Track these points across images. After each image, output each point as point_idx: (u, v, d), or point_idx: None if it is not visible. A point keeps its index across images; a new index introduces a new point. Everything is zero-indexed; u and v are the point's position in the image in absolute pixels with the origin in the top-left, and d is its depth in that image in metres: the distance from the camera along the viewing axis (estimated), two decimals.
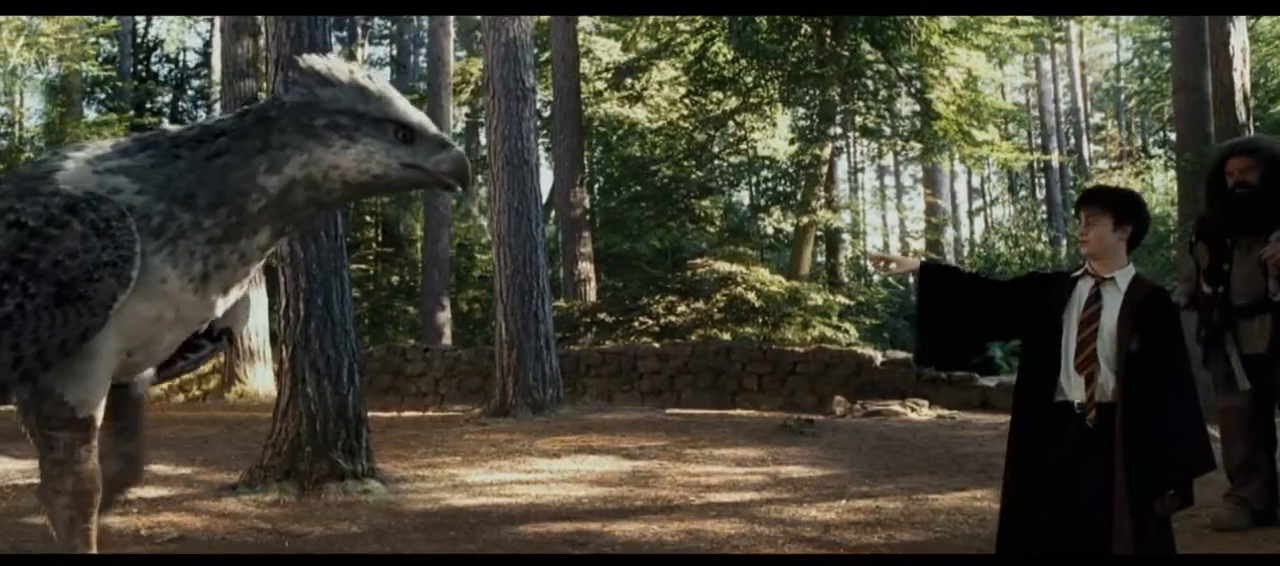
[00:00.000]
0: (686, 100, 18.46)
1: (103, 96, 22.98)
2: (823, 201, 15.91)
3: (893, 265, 4.28)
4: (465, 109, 22.64)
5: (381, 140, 2.63)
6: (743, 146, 18.46)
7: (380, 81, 2.70)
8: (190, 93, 25.55)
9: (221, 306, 2.77)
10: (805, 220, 15.20)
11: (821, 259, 18.92)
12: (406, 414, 11.92)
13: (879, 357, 12.63)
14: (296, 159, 2.62)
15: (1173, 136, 30.67)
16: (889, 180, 36.61)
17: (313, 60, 2.69)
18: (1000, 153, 15.15)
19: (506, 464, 7.98)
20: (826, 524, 5.86)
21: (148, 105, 23.48)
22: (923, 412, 11.46)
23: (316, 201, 2.70)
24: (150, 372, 2.97)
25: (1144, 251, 14.52)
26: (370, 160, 2.63)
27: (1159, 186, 21.08)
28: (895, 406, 11.55)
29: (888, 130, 15.54)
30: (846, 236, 19.29)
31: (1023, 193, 30.12)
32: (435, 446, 8.64)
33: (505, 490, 6.91)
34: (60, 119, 19.10)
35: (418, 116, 2.71)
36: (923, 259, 4.11)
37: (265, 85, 6.68)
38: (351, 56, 26.89)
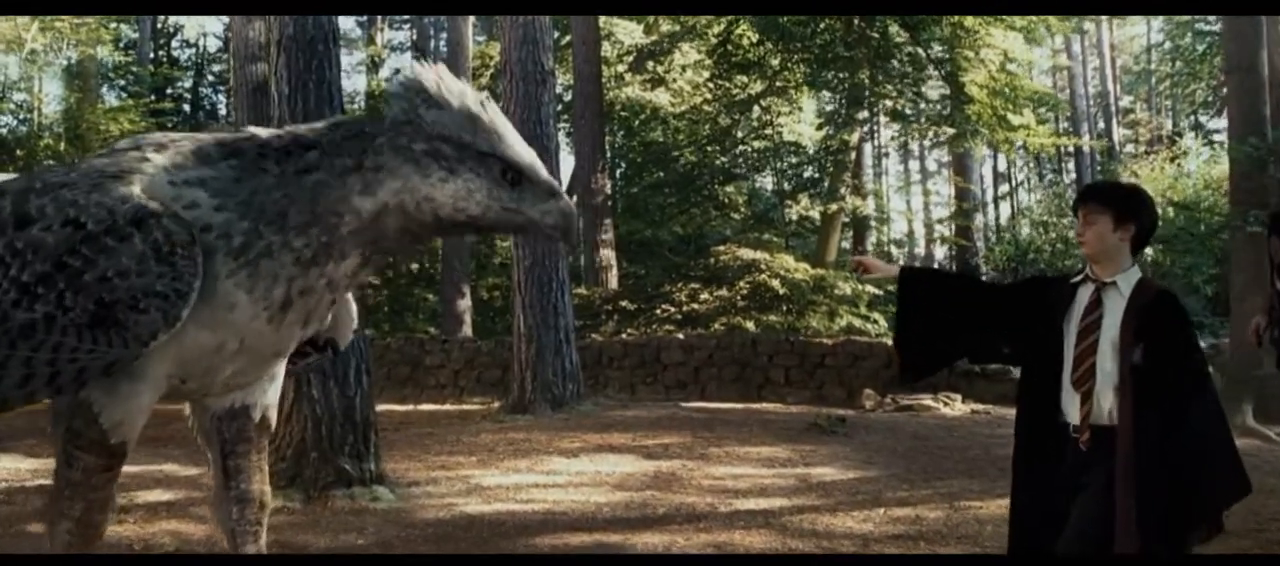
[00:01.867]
0: (710, 84, 18.03)
1: (122, 82, 22.79)
2: (850, 187, 15.48)
3: (873, 271, 3.76)
4: (484, 93, 22.28)
5: (485, 178, 2.36)
6: (768, 131, 18.04)
7: (493, 109, 2.40)
8: (210, 78, 25.34)
9: (296, 339, 2.49)
10: (834, 207, 14.77)
11: (846, 245, 18.51)
12: (423, 407, 11.62)
13: None
14: (391, 184, 2.35)
15: (1204, 120, 30.16)
16: (914, 165, 36.04)
17: (422, 73, 2.39)
18: (1036, 137, 14.65)
19: (524, 465, 7.65)
20: (865, 536, 5.50)
21: (168, 91, 23.27)
22: (956, 407, 11.07)
23: (409, 232, 2.43)
24: (275, 395, 2.70)
25: (1196, 242, 13.97)
26: (469, 198, 2.36)
27: (1194, 172, 20.46)
28: (927, 400, 11.15)
29: (918, 115, 15.06)
30: (873, 223, 18.86)
31: (1049, 178, 29.52)
32: (450, 446, 8.32)
33: (522, 494, 6.59)
34: (77, 104, 18.89)
35: (529, 157, 2.42)
36: (901, 264, 3.66)
37: (271, 69, 6.32)
38: (371, 41, 26.60)
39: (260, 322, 2.33)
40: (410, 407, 11.39)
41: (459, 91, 2.38)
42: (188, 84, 24.84)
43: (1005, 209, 30.03)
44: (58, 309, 2.18)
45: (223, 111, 24.00)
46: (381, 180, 2.35)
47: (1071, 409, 3.01)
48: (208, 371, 2.42)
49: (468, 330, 16.57)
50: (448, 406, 11.89)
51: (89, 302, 2.18)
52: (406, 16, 28.30)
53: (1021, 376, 3.28)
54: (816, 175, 16.05)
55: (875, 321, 14.04)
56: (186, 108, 23.89)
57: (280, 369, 2.68)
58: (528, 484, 6.96)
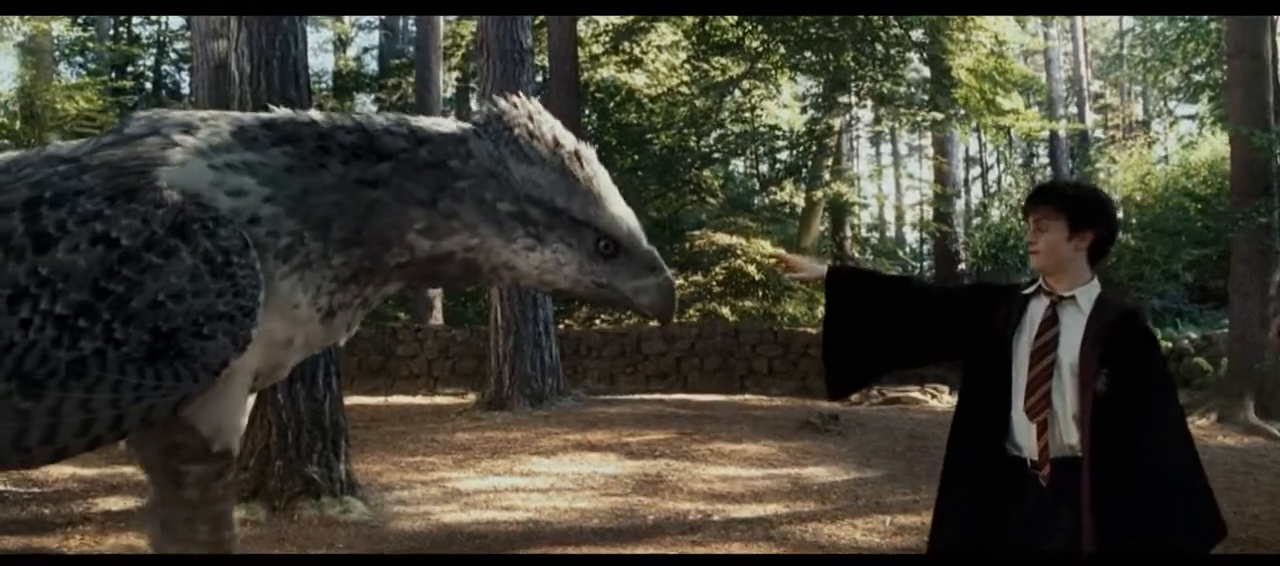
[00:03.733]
0: (688, 65, 17.62)
1: (80, 59, 22.05)
2: (831, 172, 15.14)
3: (798, 270, 3.27)
4: (456, 74, 21.75)
5: (577, 250, 2.09)
6: (747, 115, 17.66)
7: (591, 164, 2.10)
8: (173, 55, 24.59)
9: (341, 337, 2.24)
10: (819, 194, 14.43)
11: (824, 229, 18.21)
12: (396, 400, 11.19)
13: None
14: (462, 238, 2.07)
15: (1173, 107, 30.09)
16: (886, 148, 35.79)
17: (512, 116, 2.07)
18: (1025, 122, 14.36)
19: (503, 466, 7.27)
20: (871, 549, 5.17)
21: (128, 68, 22.56)
22: (944, 399, 10.82)
23: (473, 277, 2.16)
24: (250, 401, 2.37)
25: (1212, 236, 13.57)
26: (557, 272, 2.10)
27: (1174, 159, 20.31)
28: (915, 392, 10.89)
29: (903, 98, 14.74)
30: (855, 208, 18.56)
31: (1019, 161, 29.33)
32: (425, 444, 7.92)
33: (501, 500, 6.21)
34: (32, 81, 18.20)
35: (628, 225, 2.13)
36: (829, 264, 3.18)
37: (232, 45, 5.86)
38: (338, 18, 25.93)
39: (316, 323, 2.10)
40: (382, 401, 10.95)
41: (552, 141, 2.06)
42: (150, 61, 24.11)
43: (976, 191, 29.87)
44: (107, 343, 1.86)
45: (186, 91, 23.30)
46: (452, 230, 2.06)
47: (1026, 440, 2.61)
48: (277, 367, 2.19)
49: (439, 316, 16.12)
50: (421, 398, 11.47)
51: (143, 333, 1.87)
52: None
53: (960, 396, 2.84)
54: (797, 160, 15.70)
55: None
56: (148, 86, 23.16)
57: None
58: (507, 488, 6.58)
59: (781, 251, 3.12)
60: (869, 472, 7.02)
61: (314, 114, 2.12)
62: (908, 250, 26.04)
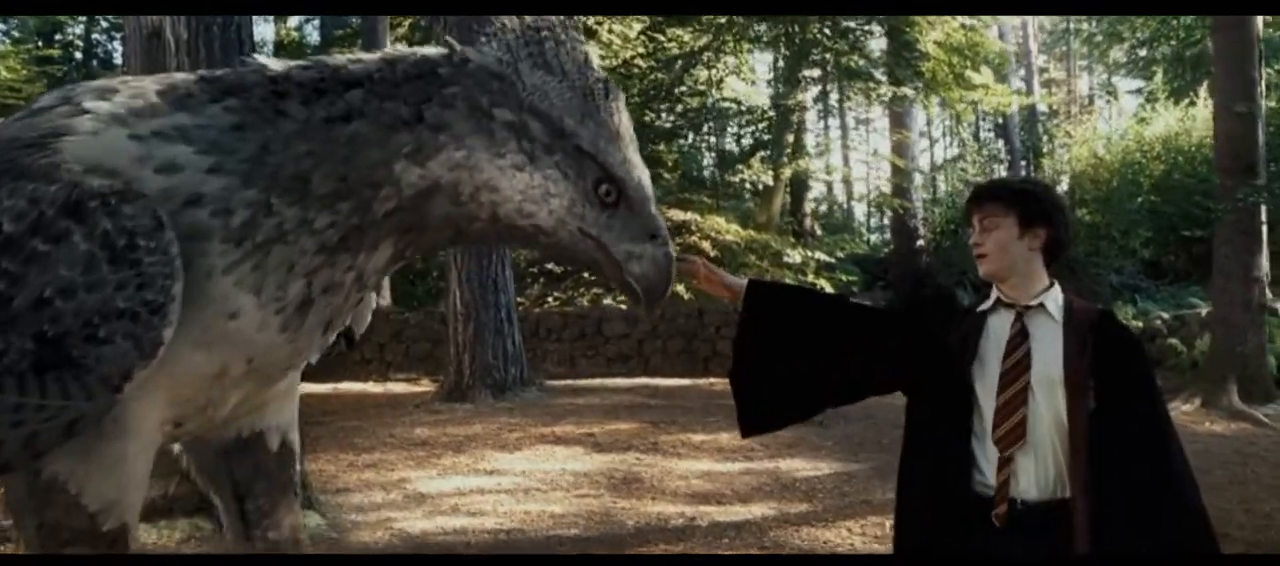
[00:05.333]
0: (644, 37, 17.13)
1: (2, 27, 20.97)
2: (793, 149, 14.80)
3: (700, 282, 2.57)
4: (402, 44, 21.03)
5: (573, 185, 1.74)
6: (703, 90, 17.26)
7: (619, 100, 1.79)
8: (105, 23, 23.51)
9: (317, 348, 1.82)
10: (788, 171, 14.09)
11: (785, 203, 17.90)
12: (346, 388, 10.67)
13: None
14: (450, 155, 1.70)
15: (1118, 82, 30.18)
16: (833, 122, 35.59)
17: (538, 22, 1.75)
18: (995, 96, 14.12)
19: (466, 463, 6.84)
20: (868, 554, 4.83)
21: (56, 36, 21.52)
22: None
23: (454, 226, 1.77)
24: (294, 410, 2.04)
25: (1203, 217, 13.35)
26: (541, 202, 1.73)
27: (1129, 135, 20.29)
28: None
29: (866, 72, 14.41)
30: (816, 182, 18.27)
31: (967, 135, 29.24)
32: (382, 441, 7.45)
33: (468, 504, 5.78)
34: None
35: (639, 176, 1.79)
36: (749, 277, 2.61)
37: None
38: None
39: (271, 333, 1.68)
40: (331, 389, 10.42)
41: (583, 58, 1.72)
42: (79, 29, 23.03)
43: (923, 163, 29.78)
44: None
45: (119, 61, 22.30)
46: (440, 146, 1.69)
47: (992, 474, 2.22)
48: (208, 407, 1.77)
49: (386, 296, 15.54)
50: (373, 386, 10.96)
51: (26, 340, 1.52)
52: None
53: (909, 433, 2.39)
54: (762, 136, 15.35)
55: (821, 288, 13.43)
56: (78, 55, 22.13)
57: (296, 379, 1.98)
58: (472, 489, 6.16)
59: (696, 259, 2.35)
60: (854, 466, 6.69)
61: (265, 61, 1.73)
62: (859, 224, 25.86)
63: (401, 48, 1.81)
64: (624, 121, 1.78)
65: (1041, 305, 2.27)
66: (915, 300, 16.17)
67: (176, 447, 2.00)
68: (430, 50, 1.76)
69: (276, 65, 1.72)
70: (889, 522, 5.30)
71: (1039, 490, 2.19)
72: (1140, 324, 10.67)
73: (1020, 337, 2.24)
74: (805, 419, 2.66)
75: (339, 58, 1.75)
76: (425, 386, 10.55)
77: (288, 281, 1.65)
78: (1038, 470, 2.19)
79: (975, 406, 2.25)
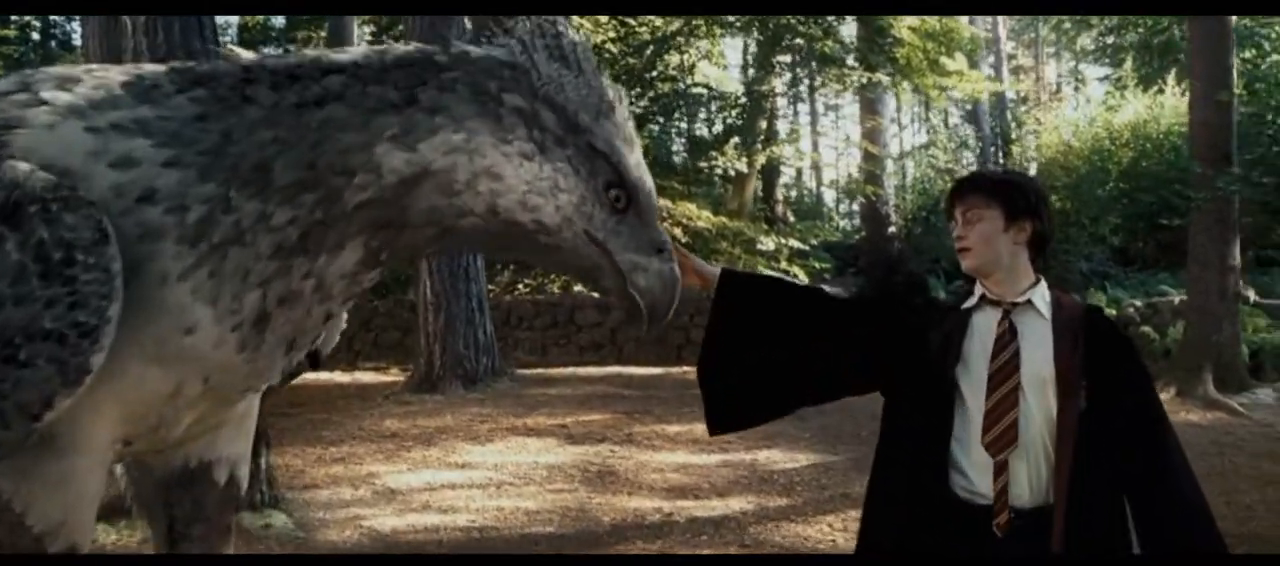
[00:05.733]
0: (615, 22, 16.95)
1: None
2: (765, 135, 14.69)
3: (688, 272, 2.23)
4: (370, 27, 20.69)
5: (582, 181, 1.60)
6: (676, 75, 17.11)
7: (626, 109, 1.68)
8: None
9: (278, 370, 1.63)
10: (761, 158, 13.99)
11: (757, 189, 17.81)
12: (314, 377, 10.44)
13: None
14: (445, 136, 1.52)
15: (1084, 69, 30.30)
16: (803, 108, 35.57)
17: (550, 23, 1.62)
18: (969, 83, 14.08)
19: (437, 456, 6.69)
20: (851, 551, 4.74)
21: (13, 17, 21.01)
22: None
23: (440, 222, 1.58)
24: (247, 443, 1.88)
25: (1183, 206, 13.32)
26: (549, 196, 1.57)
27: (1098, 122, 20.37)
28: None
29: (839, 58, 14.30)
30: (788, 170, 18.19)
31: (937, 120, 29.27)
32: (351, 433, 7.28)
33: (440, 500, 5.64)
34: None
35: (649, 185, 1.67)
36: (722, 266, 2.43)
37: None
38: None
39: (228, 351, 1.52)
40: (298, 379, 10.22)
41: (594, 62, 1.60)
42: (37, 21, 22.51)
43: (892, 149, 29.80)
44: None
45: (78, 43, 21.83)
46: (434, 128, 1.52)
47: (981, 480, 2.09)
48: (160, 426, 1.61)
49: None
50: (341, 376, 10.76)
51: None
52: None
53: (884, 432, 2.25)
54: (735, 121, 15.22)
55: (795, 276, 13.35)
56: (35, 36, 21.64)
57: (254, 404, 1.83)
58: (444, 484, 6.01)
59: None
60: (832, 458, 6.61)
61: (238, 51, 1.57)
62: (828, 210, 25.83)
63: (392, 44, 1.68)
64: (632, 127, 1.66)
65: (1029, 302, 2.15)
66: (887, 287, 16.15)
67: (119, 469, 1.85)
68: (429, 46, 1.63)
69: (248, 56, 1.57)
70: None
71: (1032, 495, 2.08)
72: (1113, 311, 10.66)
73: (1008, 336, 2.12)
74: (777, 417, 2.50)
75: (328, 51, 1.60)
76: (394, 375, 10.38)
77: (243, 291, 1.49)
78: (1030, 474, 2.08)
79: (959, 408, 2.13)
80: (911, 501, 2.15)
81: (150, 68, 1.60)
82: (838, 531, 5.05)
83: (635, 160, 1.63)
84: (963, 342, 2.15)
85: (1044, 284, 2.21)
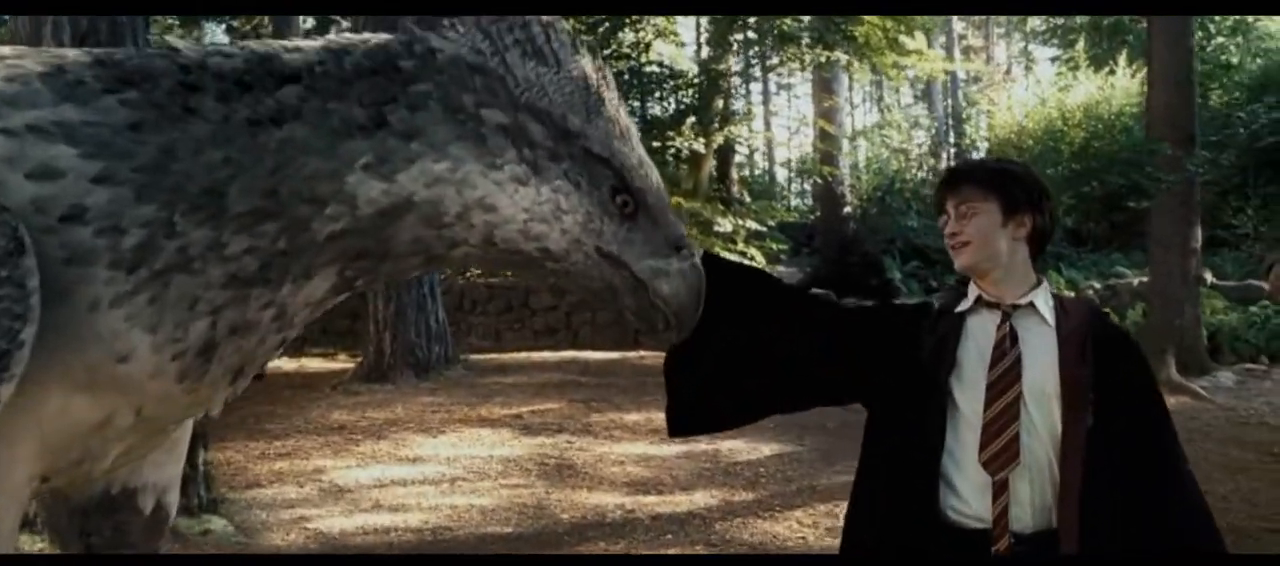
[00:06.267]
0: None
1: None
2: (722, 115, 14.46)
3: None
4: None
5: (586, 196, 1.41)
6: (630, 53, 16.84)
7: (612, 86, 1.46)
8: None
9: (221, 400, 1.43)
10: (719, 138, 13.75)
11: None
12: None
13: None
14: (426, 167, 1.34)
15: (1033, 49, 30.52)
16: (755, 87, 35.47)
17: (528, 17, 1.42)
18: (928, 63, 13.96)
19: (387, 451, 6.42)
20: (823, 549, 4.57)
21: None
22: None
23: (426, 252, 1.40)
24: (177, 468, 1.64)
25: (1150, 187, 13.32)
26: (553, 221, 1.39)
27: (1051, 102, 20.46)
28: None
29: (796, 36, 14.11)
30: (742, 150, 18.00)
31: (891, 100, 29.29)
32: (298, 426, 6.98)
33: (390, 498, 5.39)
34: None
35: (656, 179, 1.49)
36: (703, 250, 2.13)
37: None
38: None
39: (167, 381, 1.32)
40: None
41: (571, 46, 1.38)
42: None
43: (845, 127, 29.77)
44: None
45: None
46: (413, 156, 1.33)
47: (977, 501, 1.87)
48: (85, 460, 1.42)
49: None
50: (287, 363, 10.40)
51: None
52: None
53: (867, 448, 2.02)
54: (692, 101, 14.99)
55: (752, 258, 13.18)
56: None
57: (187, 427, 1.61)
58: (394, 480, 5.76)
59: None
60: (797, 448, 6.45)
61: (176, 43, 1.35)
62: (780, 190, 25.74)
63: (347, 35, 1.42)
64: (622, 107, 1.44)
65: (1031, 305, 1.94)
66: (842, 267, 16.07)
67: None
68: (384, 38, 1.40)
69: (191, 51, 1.33)
70: (835, 510, 5.08)
71: (1034, 518, 1.86)
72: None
73: (1008, 342, 1.91)
74: (745, 423, 2.27)
75: (270, 44, 1.37)
76: (343, 362, 10.06)
77: (189, 320, 1.29)
78: (1033, 496, 1.87)
79: (952, 422, 1.91)
80: (898, 524, 1.92)
81: (73, 56, 1.35)
82: (807, 527, 4.88)
83: (638, 157, 1.43)
84: (957, 349, 1.93)
85: (1047, 285, 2.00)
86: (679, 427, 2.10)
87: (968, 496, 1.88)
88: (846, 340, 2.03)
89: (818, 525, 4.89)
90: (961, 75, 27.20)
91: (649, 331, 1.55)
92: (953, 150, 23.46)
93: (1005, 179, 1.99)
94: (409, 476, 5.83)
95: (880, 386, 1.99)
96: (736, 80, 15.39)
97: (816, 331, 2.04)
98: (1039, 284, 1.98)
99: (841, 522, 4.84)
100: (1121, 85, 19.24)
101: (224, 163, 1.28)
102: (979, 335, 1.94)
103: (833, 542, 4.65)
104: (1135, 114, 18.28)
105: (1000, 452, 1.86)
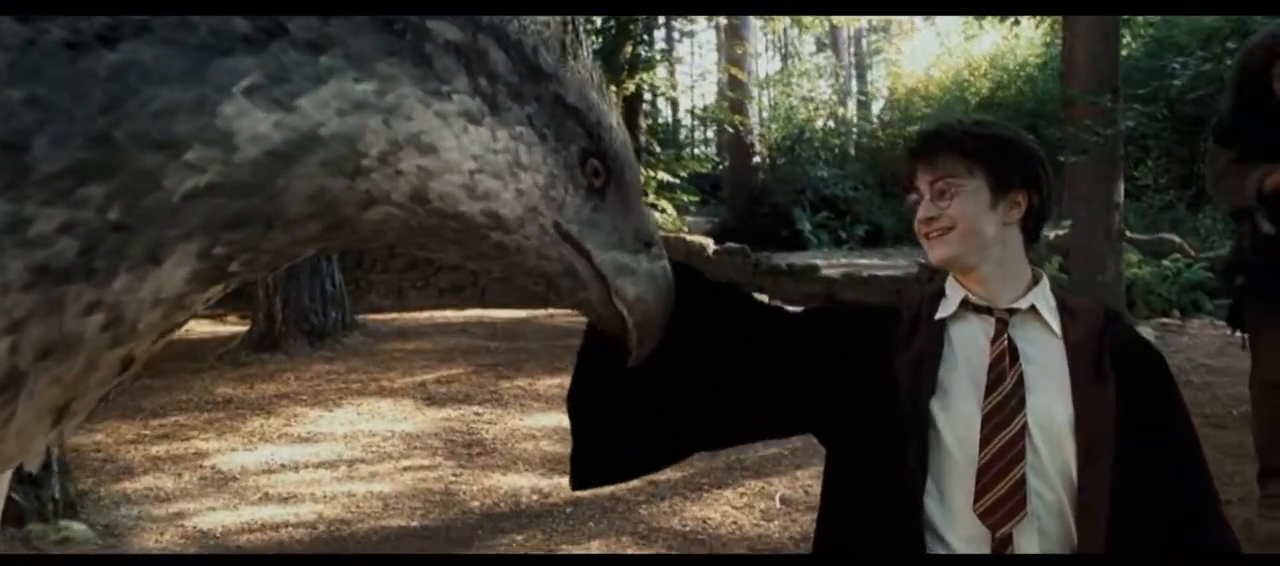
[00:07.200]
0: None
1: None
2: (629, 62, 14.01)
3: None
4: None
5: (552, 153, 1.03)
6: None
7: (588, 50, 1.12)
8: None
9: (40, 448, 0.99)
10: (630, 86, 13.27)
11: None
12: None
13: (711, 245, 11.14)
14: (342, 84, 0.90)
15: None
16: (658, 34, 34.94)
17: None
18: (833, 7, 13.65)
19: (278, 429, 5.88)
20: (765, 541, 4.24)
21: None
22: None
23: (330, 216, 0.96)
24: None
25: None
26: (507, 177, 1.00)
27: (956, 52, 20.47)
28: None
29: None
30: (649, 100, 17.56)
31: (799, 48, 29.10)
32: (179, 402, 6.38)
33: (278, 485, 4.88)
34: None
35: (630, 152, 1.14)
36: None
37: None
38: None
39: None
40: None
41: None
42: None
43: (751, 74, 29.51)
44: None
45: None
46: (320, 74, 0.90)
47: (969, 544, 1.48)
48: None
49: None
50: None
51: None
52: None
53: (827, 494, 1.61)
54: (601, 46, 14.47)
55: (664, 211, 12.82)
56: None
57: (5, 480, 1.18)
58: (284, 464, 5.24)
59: None
60: None
61: None
62: (685, 138, 25.37)
63: None
64: (598, 74, 1.10)
65: (1031, 309, 1.54)
66: (751, 218, 15.82)
67: None
68: None
69: None
70: (769, 490, 4.76)
71: None
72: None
73: (1006, 359, 1.51)
74: (666, 466, 1.80)
75: None
76: (234, 325, 9.38)
77: None
78: (1044, 552, 1.47)
79: (937, 461, 1.49)
80: None
81: None
82: (739, 509, 4.54)
83: (616, 118, 1.10)
84: (939, 368, 1.52)
85: (1046, 282, 1.60)
86: (584, 479, 1.63)
87: (954, 544, 1.48)
88: (795, 356, 1.57)
89: (752, 507, 4.55)
90: (865, 23, 27.10)
91: (608, 335, 1.19)
92: (857, 100, 23.42)
93: (994, 146, 1.56)
94: (301, 458, 5.31)
95: (841, 417, 1.56)
96: (640, 27, 14.91)
97: (756, 344, 1.57)
98: (1038, 281, 1.58)
99: (776, 504, 4.44)
100: (1026, 36, 19.34)
101: (27, 104, 0.85)
102: (968, 349, 1.54)
103: (768, 528, 4.34)
104: (1040, 64, 18.43)
105: (1002, 502, 1.45)
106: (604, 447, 1.59)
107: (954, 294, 1.58)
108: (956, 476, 1.48)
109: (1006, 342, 1.51)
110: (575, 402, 1.60)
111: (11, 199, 0.83)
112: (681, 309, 1.32)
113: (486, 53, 0.97)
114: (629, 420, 1.55)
